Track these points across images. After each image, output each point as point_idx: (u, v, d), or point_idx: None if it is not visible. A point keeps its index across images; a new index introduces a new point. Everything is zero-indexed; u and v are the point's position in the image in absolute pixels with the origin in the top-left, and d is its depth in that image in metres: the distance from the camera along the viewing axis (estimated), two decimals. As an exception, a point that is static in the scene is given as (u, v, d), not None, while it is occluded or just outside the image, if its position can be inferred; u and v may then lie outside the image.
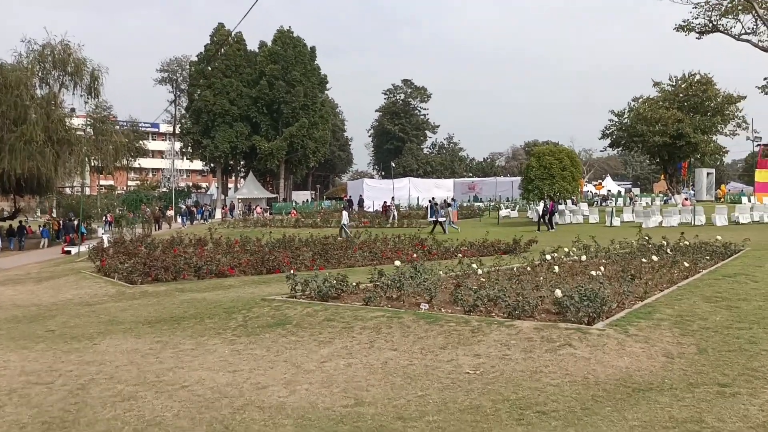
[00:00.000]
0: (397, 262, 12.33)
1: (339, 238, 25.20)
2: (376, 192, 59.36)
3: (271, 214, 56.33)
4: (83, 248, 27.97)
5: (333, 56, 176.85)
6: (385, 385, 6.19)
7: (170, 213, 52.58)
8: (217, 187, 74.40)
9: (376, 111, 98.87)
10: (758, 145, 46.96)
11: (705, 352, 6.84)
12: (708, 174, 49.01)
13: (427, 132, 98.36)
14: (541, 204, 32.66)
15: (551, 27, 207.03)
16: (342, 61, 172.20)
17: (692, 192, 48.36)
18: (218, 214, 60.64)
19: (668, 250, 15.95)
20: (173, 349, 8.21)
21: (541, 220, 31.20)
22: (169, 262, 15.90)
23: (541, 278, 12.02)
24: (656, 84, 46.91)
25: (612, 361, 6.59)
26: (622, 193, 66.44)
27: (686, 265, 13.47)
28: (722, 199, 48.59)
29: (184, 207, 54.23)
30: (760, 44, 34.09)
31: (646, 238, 17.85)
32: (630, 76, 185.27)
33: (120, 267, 16.40)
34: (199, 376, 6.82)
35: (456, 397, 5.73)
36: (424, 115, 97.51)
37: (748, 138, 38.89)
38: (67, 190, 55.76)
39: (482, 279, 12.23)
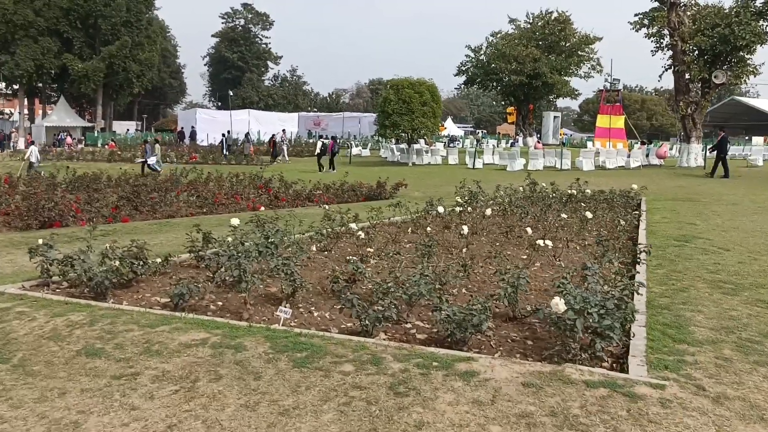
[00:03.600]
0: (235, 221, 8.07)
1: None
2: (211, 124, 53.05)
3: (86, 145, 48.31)
4: None
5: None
6: None
7: None
8: (20, 113, 63.16)
9: (213, 36, 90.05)
10: (601, 90, 47.22)
11: None
12: (555, 118, 48.73)
13: (269, 63, 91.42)
14: (320, 143, 30.04)
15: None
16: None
17: (538, 135, 47.88)
18: (21, 144, 51.06)
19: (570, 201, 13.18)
20: None
21: (319, 160, 28.84)
22: None
23: (458, 248, 8.50)
24: (512, 21, 44.92)
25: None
26: (463, 135, 65.47)
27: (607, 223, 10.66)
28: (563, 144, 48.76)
29: None
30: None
31: (533, 183, 14.94)
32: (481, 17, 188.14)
33: None
34: None
35: None
36: (266, 44, 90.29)
37: (606, 81, 37.91)
38: None
39: (367, 248, 8.45)
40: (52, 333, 4.89)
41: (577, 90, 45.76)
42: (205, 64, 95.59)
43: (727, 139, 24.78)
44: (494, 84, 44.33)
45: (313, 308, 5.73)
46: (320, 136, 39.49)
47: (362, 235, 8.83)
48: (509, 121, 56.04)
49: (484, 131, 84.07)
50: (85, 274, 5.99)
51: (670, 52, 28.19)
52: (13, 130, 57.60)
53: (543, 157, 27.89)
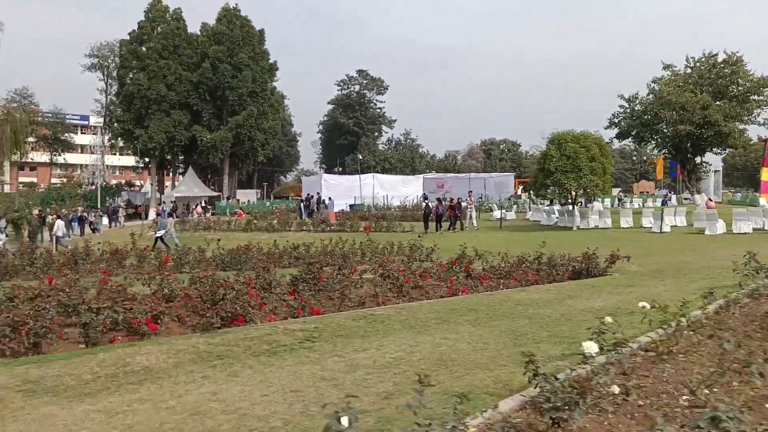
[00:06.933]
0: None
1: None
2: (336, 189, 51.71)
3: (213, 214, 48.06)
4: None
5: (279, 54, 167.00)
6: None
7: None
8: (152, 184, 65.05)
9: (329, 103, 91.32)
10: (765, 139, 41.55)
11: None
12: (715, 172, 43.39)
13: (383, 126, 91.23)
14: (424, 204, 29.34)
15: (504, 25, 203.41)
16: (287, 59, 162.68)
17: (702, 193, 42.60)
18: (152, 215, 51.82)
19: None
20: None
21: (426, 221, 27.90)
22: (21, 314, 7.95)
23: None
24: (667, 67, 40.64)
25: None
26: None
27: None
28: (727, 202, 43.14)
29: (80, 211, 44.16)
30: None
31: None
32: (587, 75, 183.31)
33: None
34: None
35: None
36: (380, 108, 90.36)
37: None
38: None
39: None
40: None
41: (751, 139, 40.45)
42: (318, 131, 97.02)
43: None
44: (652, 136, 40.01)
45: None
46: (425, 197, 36.75)
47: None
48: (658, 176, 51.02)
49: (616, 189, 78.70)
50: None
51: None
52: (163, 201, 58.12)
53: (749, 220, 23.31)
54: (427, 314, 9.81)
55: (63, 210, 38.14)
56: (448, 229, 27.70)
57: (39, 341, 7.86)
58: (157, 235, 24.67)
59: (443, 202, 31.36)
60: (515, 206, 40.76)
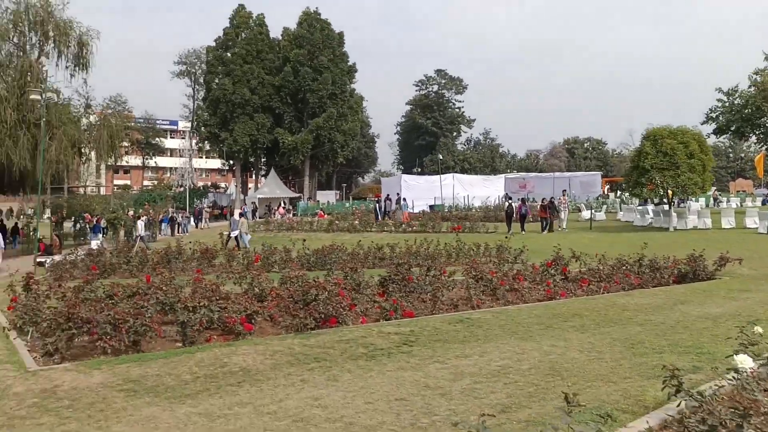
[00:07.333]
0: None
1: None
2: (415, 191, 51.24)
3: (294, 215, 48.69)
4: (59, 258, 20.44)
5: (356, 54, 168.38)
6: None
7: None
8: (236, 186, 66.84)
9: (407, 104, 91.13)
10: None
11: None
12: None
13: (462, 126, 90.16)
14: (507, 204, 28.37)
15: (587, 19, 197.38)
16: (364, 61, 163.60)
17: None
18: (236, 215, 53.07)
19: None
20: None
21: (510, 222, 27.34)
22: (122, 312, 7.98)
23: None
24: (769, 56, 37.88)
25: None
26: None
27: None
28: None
29: (171, 212, 45.67)
30: None
31: None
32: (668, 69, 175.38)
33: (39, 315, 8.61)
34: None
35: None
36: (459, 108, 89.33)
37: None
38: (82, 190, 48.56)
39: None
40: None
41: None
42: (395, 133, 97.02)
43: None
44: (753, 130, 37.49)
45: None
46: (508, 197, 35.66)
47: None
48: (759, 174, 47.86)
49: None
50: None
51: None
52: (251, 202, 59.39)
53: None
54: (527, 319, 9.27)
55: (141, 211, 39.69)
56: (542, 230, 26.66)
57: (138, 339, 7.86)
58: (232, 234, 25.16)
59: (526, 202, 30.41)
60: (604, 206, 39.09)
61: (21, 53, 29.43)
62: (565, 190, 33.07)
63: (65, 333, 7.56)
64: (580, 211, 33.45)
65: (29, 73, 28.52)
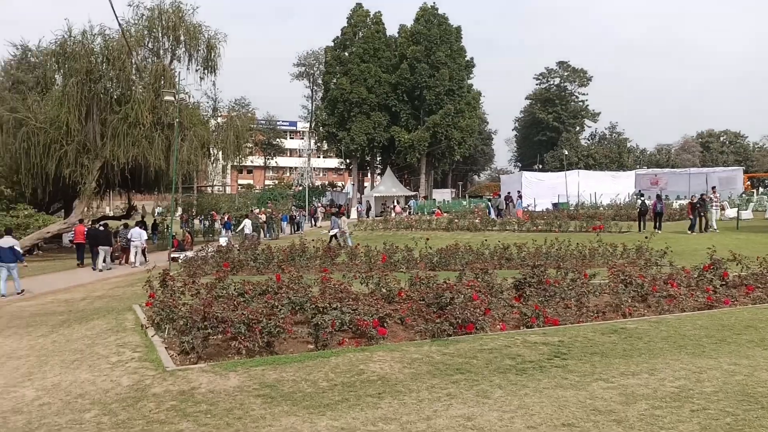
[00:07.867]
0: None
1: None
2: (537, 187, 49.36)
3: (410, 214, 48.38)
4: (191, 254, 21.29)
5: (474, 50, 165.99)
6: None
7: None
8: (353, 185, 67.73)
9: (526, 98, 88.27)
10: None
11: None
12: None
13: (586, 120, 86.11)
14: (639, 201, 27.27)
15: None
16: (482, 56, 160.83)
17: None
18: (354, 214, 53.78)
19: None
20: None
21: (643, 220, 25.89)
22: (255, 312, 7.71)
23: None
24: None
25: None
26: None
27: None
28: None
29: (293, 210, 46.52)
30: None
31: None
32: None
33: (175, 313, 8.57)
34: None
35: None
36: (583, 101, 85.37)
37: None
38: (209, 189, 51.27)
39: None
40: None
41: None
42: (513, 129, 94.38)
43: None
44: None
45: None
46: (640, 194, 33.05)
47: None
48: None
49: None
50: None
51: None
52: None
53: None
54: (692, 330, 8.14)
55: (253, 209, 41.02)
56: (689, 230, 24.42)
57: (272, 340, 7.58)
58: (331, 233, 25.04)
59: (662, 199, 28.16)
60: (750, 204, 35.63)
61: (155, 58, 30.93)
62: (714, 187, 30.28)
63: (201, 332, 7.40)
64: (723, 209, 30.57)
65: (162, 77, 29.90)
